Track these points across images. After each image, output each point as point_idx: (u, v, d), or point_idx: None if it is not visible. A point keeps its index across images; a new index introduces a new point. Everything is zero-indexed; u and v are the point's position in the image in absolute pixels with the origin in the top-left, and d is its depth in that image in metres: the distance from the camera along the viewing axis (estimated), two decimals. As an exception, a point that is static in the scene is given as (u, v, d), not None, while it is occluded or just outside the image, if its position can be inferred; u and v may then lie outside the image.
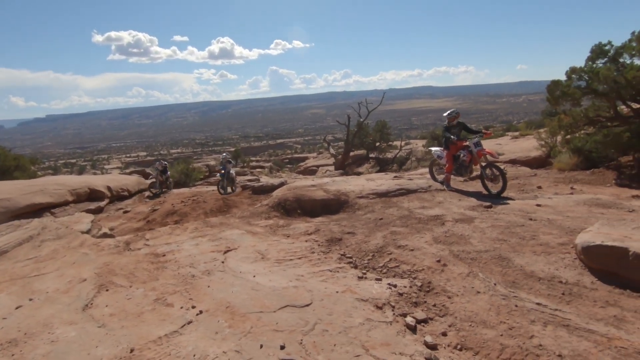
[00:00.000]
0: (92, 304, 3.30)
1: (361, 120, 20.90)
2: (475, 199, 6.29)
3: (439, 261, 3.90)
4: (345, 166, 20.73)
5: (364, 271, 3.91)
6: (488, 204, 5.78)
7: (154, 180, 11.91)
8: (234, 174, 11.59)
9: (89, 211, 9.04)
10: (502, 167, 7.35)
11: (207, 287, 3.50)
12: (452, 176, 7.31)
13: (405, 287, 3.45)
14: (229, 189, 11.08)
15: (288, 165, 40.34)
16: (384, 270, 3.92)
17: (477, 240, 4.35)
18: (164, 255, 4.55)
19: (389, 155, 20.84)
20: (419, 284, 3.51)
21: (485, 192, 6.64)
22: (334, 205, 6.72)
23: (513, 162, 11.29)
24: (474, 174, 7.71)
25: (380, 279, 3.64)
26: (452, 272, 3.68)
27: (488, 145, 13.19)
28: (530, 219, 4.88)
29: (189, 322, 2.88)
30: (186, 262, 4.23)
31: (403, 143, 22.61)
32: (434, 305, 3.14)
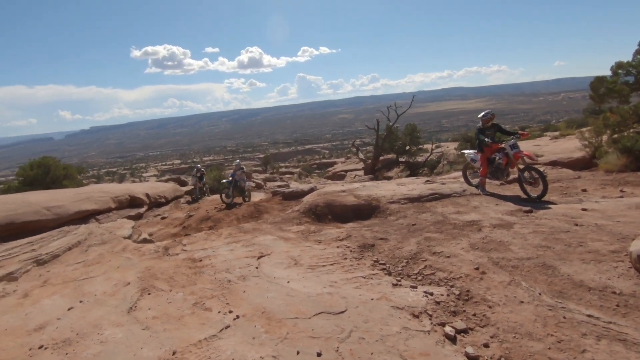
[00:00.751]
0: (136, 306, 3.46)
1: (390, 124, 20.65)
2: (513, 203, 6.02)
3: (477, 269, 3.76)
4: (375, 171, 20.53)
5: (399, 278, 3.84)
6: (528, 208, 5.51)
7: (192, 187, 12.48)
8: (247, 185, 11.11)
9: (129, 217, 9.53)
10: (541, 169, 7.00)
11: (243, 292, 3.57)
12: (487, 180, 7.05)
13: (442, 295, 3.35)
14: (241, 199, 10.63)
15: (316, 171, 40.56)
16: (419, 278, 3.83)
17: (518, 247, 4.16)
18: (201, 260, 4.70)
19: (420, 159, 20.43)
20: (457, 292, 3.40)
21: (524, 196, 6.34)
22: (365, 211, 6.67)
23: (554, 163, 10.71)
24: (511, 177, 7.39)
25: (415, 287, 3.56)
26: (492, 280, 3.53)
27: (525, 146, 12.60)
28: (576, 225, 4.60)
29: (227, 327, 2.94)
30: (222, 267, 4.34)
31: (434, 146, 22.08)
32: (474, 315, 3.02)
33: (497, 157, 6.72)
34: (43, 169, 13.54)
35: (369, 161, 21.91)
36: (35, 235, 6.89)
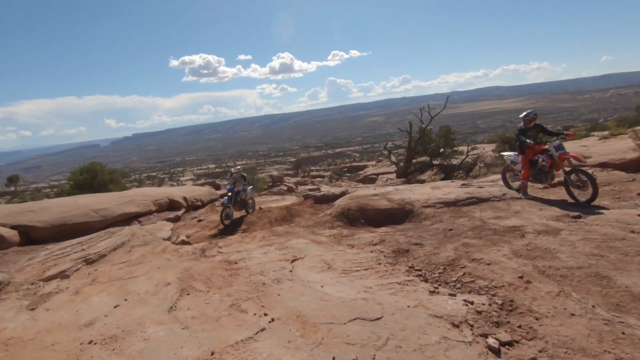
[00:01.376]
0: (176, 306, 3.58)
1: (423, 126, 20.17)
2: (559, 208, 5.65)
3: (521, 277, 3.56)
4: (408, 174, 20.12)
5: (436, 285, 3.71)
6: (576, 213, 5.15)
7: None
8: (249, 194, 9.44)
9: (168, 220, 9.94)
10: (590, 171, 6.53)
11: (278, 296, 3.60)
12: (529, 183, 6.68)
13: (483, 304, 3.19)
14: (243, 213, 9.19)
15: (347, 174, 40.42)
16: (458, 285, 3.68)
17: (567, 255, 3.89)
18: (236, 263, 4.80)
19: (455, 161, 19.77)
20: (500, 301, 3.23)
21: (571, 200, 5.95)
22: (398, 215, 6.53)
23: (603, 165, 9.96)
24: (556, 180, 6.96)
25: (454, 295, 3.43)
26: (539, 290, 3.32)
27: (571, 147, 11.83)
28: (633, 232, 4.24)
29: (263, 329, 2.97)
30: (257, 270, 4.41)
31: (469, 148, 21.30)
32: (519, 327, 2.85)
33: (541, 159, 6.36)
34: (91, 174, 14.47)
35: (401, 164, 21.51)
36: (84, 235, 7.36)
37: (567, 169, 6.08)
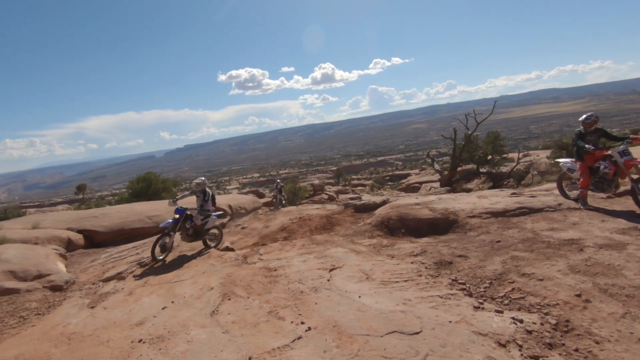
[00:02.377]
0: (217, 310, 3.72)
1: (469, 132, 19.33)
2: (625, 219, 5.10)
3: (579, 295, 3.25)
4: (453, 182, 19.33)
5: (481, 300, 3.50)
6: (646, 226, 4.63)
7: (273, 199, 13.25)
8: (211, 221, 6.62)
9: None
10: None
11: (315, 304, 3.60)
12: (589, 192, 6.11)
13: (534, 323, 2.95)
14: (205, 243, 6.56)
15: (389, 183, 39.73)
16: (506, 302, 3.44)
17: (634, 273, 3.49)
18: (276, 270, 4.88)
19: (504, 169, 18.67)
20: (553, 321, 2.97)
21: (639, 211, 5.35)
22: (441, 225, 6.29)
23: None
24: (622, 189, 6.30)
25: (501, 311, 3.21)
26: (600, 310, 3.01)
27: (639, 153, 10.69)
28: None
29: (299, 338, 2.99)
30: (295, 278, 4.45)
31: (521, 155, 20.00)
32: (576, 351, 2.59)
33: (603, 166, 5.81)
34: (146, 183, 15.61)
35: (446, 172, 20.73)
36: (139, 239, 7.92)
37: (635, 176, 5.49)
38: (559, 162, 7.22)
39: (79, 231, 8.13)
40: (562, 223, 5.33)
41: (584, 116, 6.27)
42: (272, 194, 13.65)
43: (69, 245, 7.44)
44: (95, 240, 8.13)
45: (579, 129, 6.26)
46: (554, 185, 7.62)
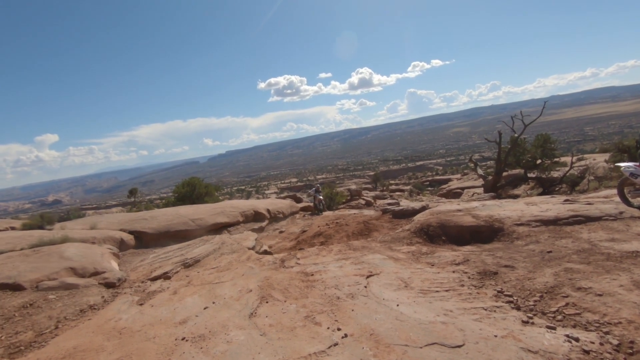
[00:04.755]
0: (255, 312, 3.79)
1: (515, 135, 18.29)
2: (702, 231, 4.56)
3: (645, 314, 2.93)
4: (497, 188, 18.34)
5: (530, 315, 3.26)
6: None
7: (311, 203, 13.48)
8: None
9: (253, 230, 10.65)
10: None
11: (352, 311, 3.56)
12: (657, 200, 5.54)
13: (592, 343, 2.70)
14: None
15: (429, 188, 38.58)
16: (559, 317, 3.19)
17: None
18: (312, 275, 4.89)
19: (555, 174, 17.42)
20: (615, 342, 2.69)
21: None
22: (485, 233, 5.98)
23: None
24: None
25: (553, 328, 2.97)
26: (671, 332, 2.69)
27: None
28: None
29: (335, 344, 2.96)
30: (332, 284, 4.43)
31: (574, 159, 18.57)
32: (643, 375, 2.34)
33: (672, 171, 5.24)
34: (190, 187, 16.39)
35: (490, 177, 19.73)
36: (183, 241, 8.31)
37: None
38: (619, 167, 6.61)
39: (130, 232, 8.69)
40: (625, 233, 4.86)
41: None
42: (308, 199, 13.84)
43: (122, 245, 7.97)
44: (144, 240, 8.65)
45: (643, 130, 5.71)
46: (614, 191, 6.99)
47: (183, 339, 3.34)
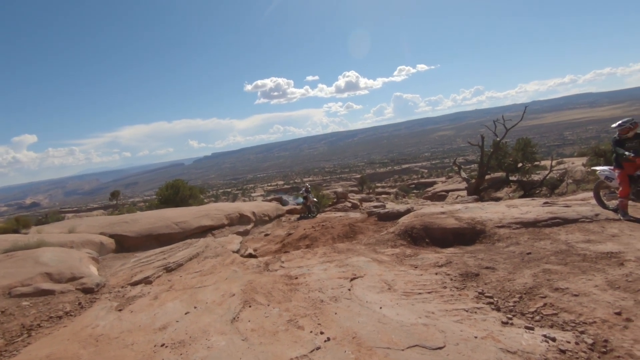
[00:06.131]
0: (238, 317, 3.74)
1: (498, 139, 18.69)
2: (672, 232, 4.74)
3: (619, 314, 3.02)
4: (480, 191, 18.69)
5: (510, 316, 3.32)
6: (696, 240, 4.27)
7: (299, 206, 13.40)
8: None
9: (239, 233, 10.54)
10: None
11: (335, 314, 3.55)
12: (629, 202, 5.73)
13: (568, 342, 2.77)
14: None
15: (415, 191, 39.04)
16: (537, 318, 3.25)
17: (682, 290, 3.21)
18: (297, 278, 4.87)
19: (536, 177, 17.87)
20: (590, 341, 2.77)
21: (689, 223, 4.95)
22: (467, 235, 6.07)
23: None
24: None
25: (531, 328, 3.03)
26: (642, 330, 2.78)
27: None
28: None
29: (317, 348, 2.94)
30: (315, 287, 4.41)
31: (554, 162, 19.10)
32: (616, 374, 2.40)
33: (644, 174, 5.44)
34: (174, 190, 16.11)
35: (473, 180, 20.10)
36: (167, 245, 8.16)
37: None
38: (596, 170, 6.83)
39: (111, 236, 8.46)
40: (600, 235, 5.01)
41: (618, 122, 5.93)
42: (297, 201, 13.72)
43: (102, 249, 7.75)
44: (125, 244, 8.44)
45: (615, 136, 5.92)
46: (591, 194, 7.21)
47: (162, 345, 3.26)
